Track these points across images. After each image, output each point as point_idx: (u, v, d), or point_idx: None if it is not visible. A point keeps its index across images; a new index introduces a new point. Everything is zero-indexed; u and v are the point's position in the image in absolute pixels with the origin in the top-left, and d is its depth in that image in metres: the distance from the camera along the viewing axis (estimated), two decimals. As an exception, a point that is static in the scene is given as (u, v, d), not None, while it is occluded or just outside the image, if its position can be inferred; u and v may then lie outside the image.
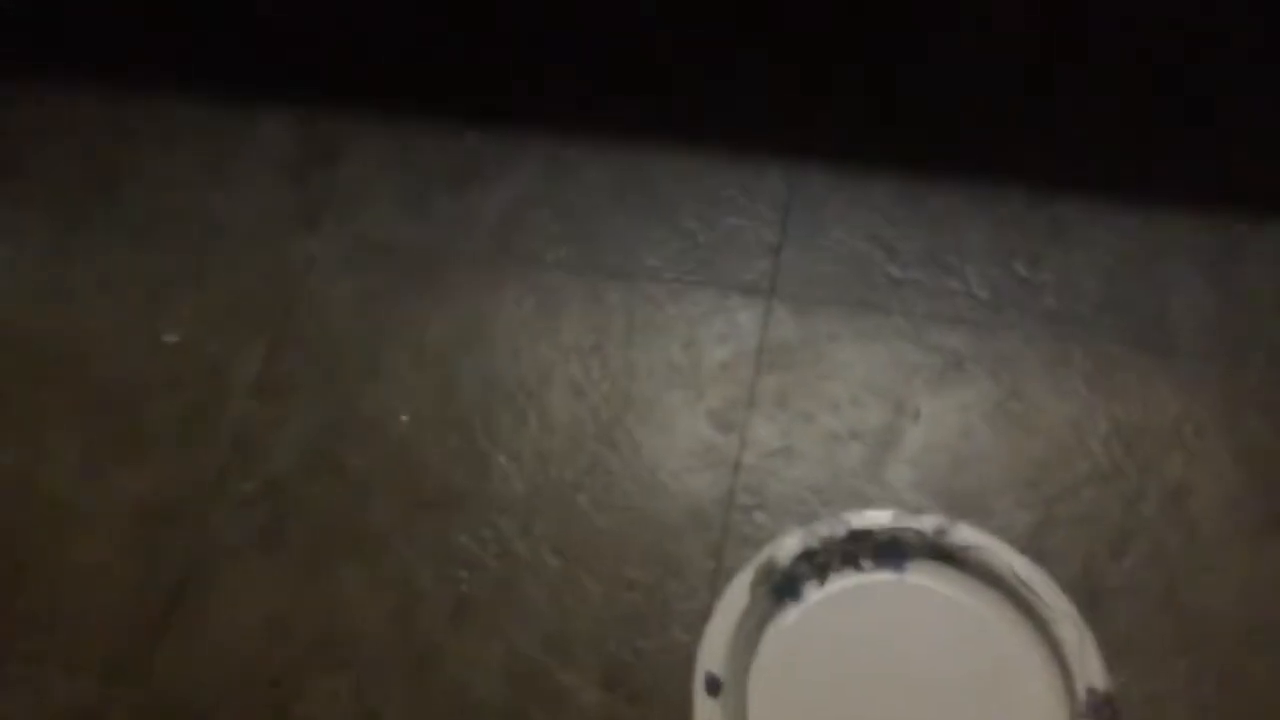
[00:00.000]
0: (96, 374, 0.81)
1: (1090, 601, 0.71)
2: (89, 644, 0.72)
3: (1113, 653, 0.69)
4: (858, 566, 0.73)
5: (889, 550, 0.73)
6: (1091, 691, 0.67)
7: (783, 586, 0.72)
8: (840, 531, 0.73)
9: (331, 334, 0.83)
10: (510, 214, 0.87)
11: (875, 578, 0.73)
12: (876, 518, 0.74)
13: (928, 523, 0.73)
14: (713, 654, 0.70)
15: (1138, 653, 0.70)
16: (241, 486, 0.77)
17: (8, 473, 0.78)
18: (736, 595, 0.71)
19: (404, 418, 0.79)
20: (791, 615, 0.72)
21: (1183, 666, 0.69)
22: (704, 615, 0.71)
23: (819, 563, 0.73)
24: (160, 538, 0.75)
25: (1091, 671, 0.68)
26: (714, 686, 0.69)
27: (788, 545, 0.73)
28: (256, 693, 0.70)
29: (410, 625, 0.72)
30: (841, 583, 0.73)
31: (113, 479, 0.77)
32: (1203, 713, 0.68)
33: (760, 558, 0.72)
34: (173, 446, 0.78)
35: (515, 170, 0.88)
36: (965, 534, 0.73)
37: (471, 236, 0.86)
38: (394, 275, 0.85)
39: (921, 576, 0.73)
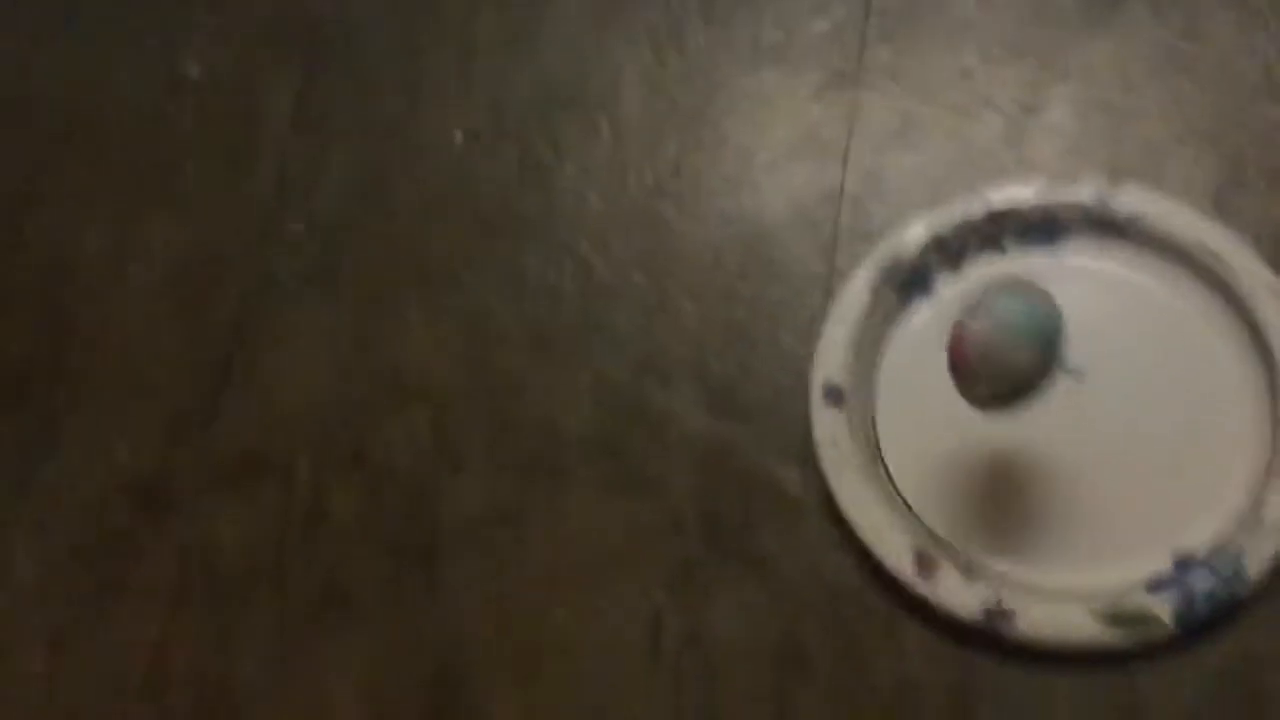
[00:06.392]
0: (115, 120, 0.73)
1: (1295, 266, 0.58)
2: (147, 405, 0.66)
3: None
4: (1000, 249, 0.61)
5: (1038, 228, 0.61)
6: (1302, 367, 0.55)
7: (910, 281, 0.61)
8: (977, 212, 0.61)
9: (366, 52, 0.72)
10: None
11: (1023, 261, 0.61)
12: (1021, 192, 0.61)
13: (1085, 191, 0.60)
14: (831, 361, 0.60)
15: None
16: (289, 228, 0.69)
17: (44, 239, 0.72)
18: (855, 295, 0.61)
19: (457, 136, 0.69)
20: (922, 312, 0.61)
21: None
22: (818, 322, 0.61)
23: (952, 250, 0.61)
24: (210, 289, 0.68)
25: (1300, 345, 0.55)
26: (835, 396, 0.59)
27: (913, 233, 0.61)
28: (330, 437, 0.64)
29: (486, 359, 0.64)
30: (980, 271, 0.61)
31: (153, 232, 0.70)
32: None
33: (881, 251, 0.61)
34: (210, 191, 0.71)
35: None
36: (1134, 198, 0.60)
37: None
38: (429, -22, 0.73)
39: (1081, 256, 0.60)
